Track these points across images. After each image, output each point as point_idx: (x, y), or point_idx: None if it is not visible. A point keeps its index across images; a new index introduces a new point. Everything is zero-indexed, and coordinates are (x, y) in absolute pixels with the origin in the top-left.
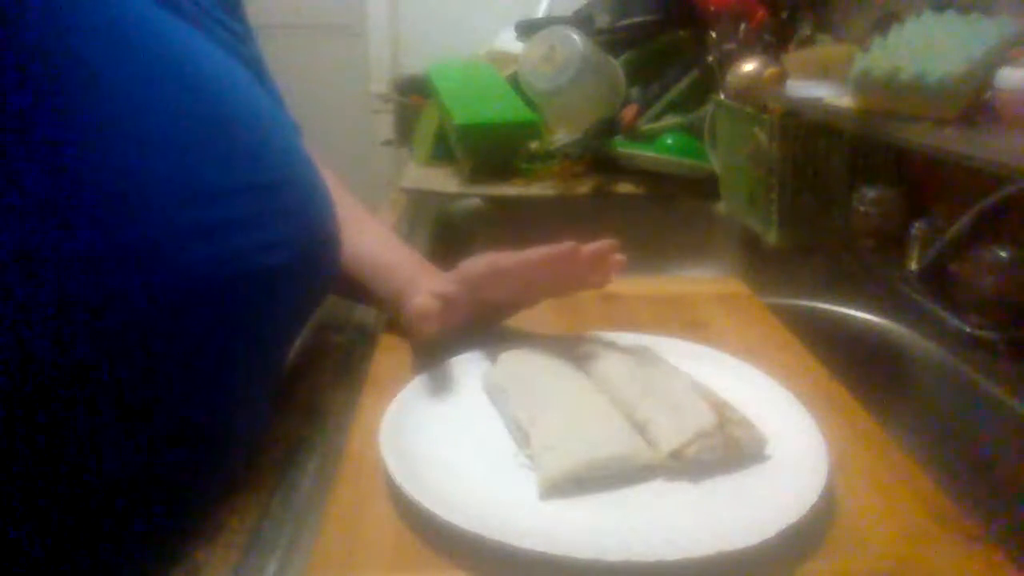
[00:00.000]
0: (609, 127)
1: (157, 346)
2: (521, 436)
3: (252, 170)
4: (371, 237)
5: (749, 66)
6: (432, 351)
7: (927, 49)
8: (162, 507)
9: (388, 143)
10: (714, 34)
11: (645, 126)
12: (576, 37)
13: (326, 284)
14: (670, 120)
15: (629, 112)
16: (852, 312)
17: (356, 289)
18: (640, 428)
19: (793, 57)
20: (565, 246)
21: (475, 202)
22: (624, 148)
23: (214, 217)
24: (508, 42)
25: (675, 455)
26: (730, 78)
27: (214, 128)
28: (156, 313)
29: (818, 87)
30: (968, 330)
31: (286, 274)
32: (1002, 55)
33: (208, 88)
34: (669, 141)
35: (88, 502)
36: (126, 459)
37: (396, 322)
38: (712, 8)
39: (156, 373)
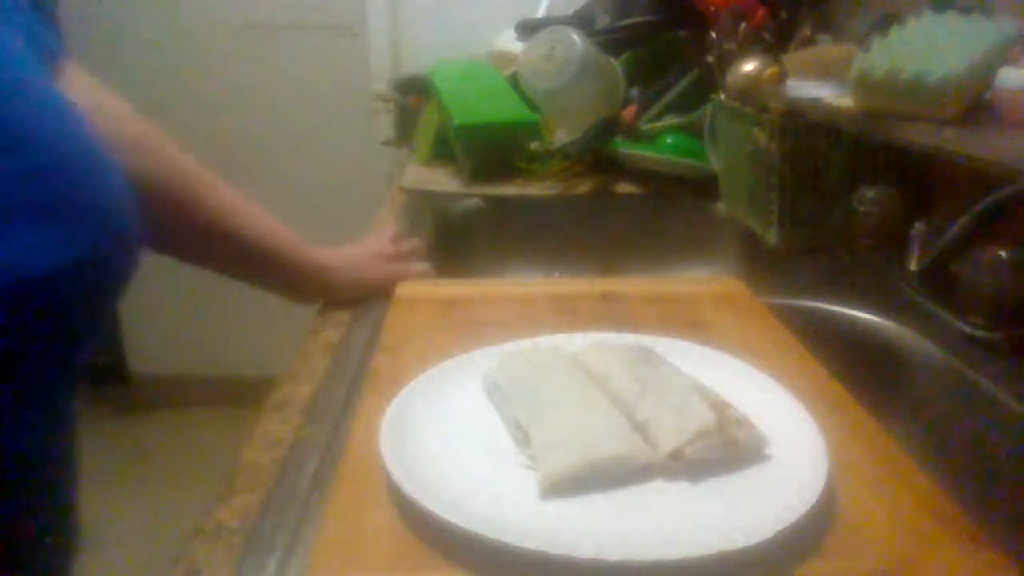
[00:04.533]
0: (609, 127)
1: None
2: (521, 436)
3: (12, 157)
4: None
5: (749, 66)
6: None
7: (927, 49)
8: None
9: (388, 143)
10: (714, 34)
11: (645, 126)
12: (576, 37)
13: (125, 277)
14: (670, 120)
15: (629, 112)
16: (852, 312)
17: (245, 267)
18: (640, 428)
19: (793, 57)
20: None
21: (475, 202)
22: (624, 148)
23: None
24: (508, 42)
25: (675, 455)
26: (730, 78)
27: None
28: None
29: (818, 87)
30: (968, 330)
31: (72, 274)
32: (1002, 55)
33: None
34: (669, 141)
35: None
36: None
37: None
38: (712, 8)
39: None
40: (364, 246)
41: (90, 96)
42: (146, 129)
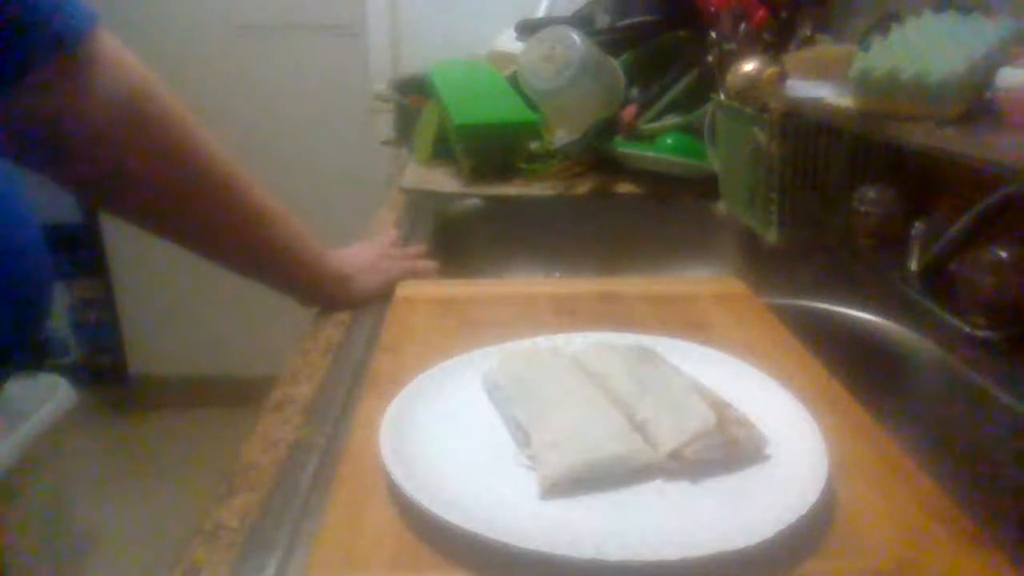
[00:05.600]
0: (609, 127)
1: None
2: (521, 436)
3: None
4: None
5: (749, 66)
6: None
7: (927, 49)
8: None
9: (388, 143)
10: (714, 34)
11: (645, 126)
12: (576, 37)
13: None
14: (670, 120)
15: (629, 112)
16: (852, 312)
17: (268, 271)
18: (640, 428)
19: (793, 57)
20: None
21: (475, 202)
22: (624, 148)
23: None
24: (508, 42)
25: (675, 455)
26: (730, 78)
27: None
28: None
29: (818, 87)
30: (968, 330)
31: None
32: (1002, 55)
33: None
34: (669, 141)
35: None
36: None
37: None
38: (712, 8)
39: None
40: (370, 248)
41: (127, 78)
42: (183, 118)
